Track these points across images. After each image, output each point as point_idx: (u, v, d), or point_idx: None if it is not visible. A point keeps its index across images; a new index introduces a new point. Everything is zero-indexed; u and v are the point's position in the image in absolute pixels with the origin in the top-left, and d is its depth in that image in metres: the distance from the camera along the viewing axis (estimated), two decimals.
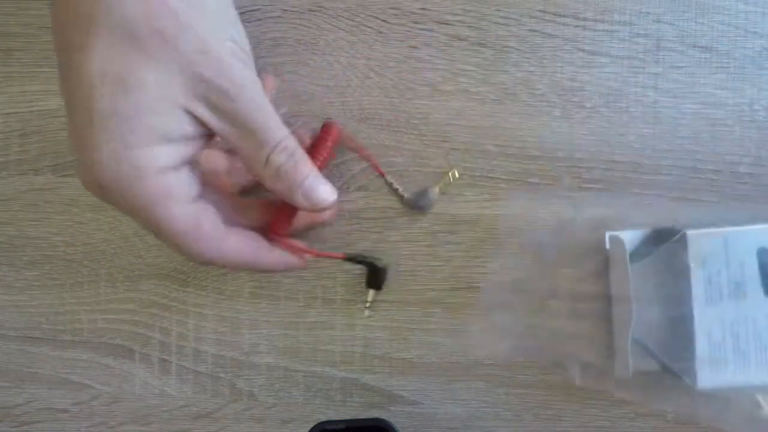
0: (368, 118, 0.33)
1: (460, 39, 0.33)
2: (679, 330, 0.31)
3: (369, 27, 0.33)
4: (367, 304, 0.33)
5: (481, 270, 0.34)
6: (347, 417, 0.34)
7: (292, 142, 0.26)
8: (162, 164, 0.24)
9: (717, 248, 0.31)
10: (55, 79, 0.33)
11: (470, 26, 0.33)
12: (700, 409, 0.32)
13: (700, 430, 0.33)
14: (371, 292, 0.33)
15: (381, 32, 0.33)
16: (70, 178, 0.34)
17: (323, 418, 0.34)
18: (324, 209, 0.28)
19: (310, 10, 0.33)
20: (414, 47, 0.33)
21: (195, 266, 0.34)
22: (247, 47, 0.25)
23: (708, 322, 0.31)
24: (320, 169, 0.29)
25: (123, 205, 0.24)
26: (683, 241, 0.31)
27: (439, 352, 0.34)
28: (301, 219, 0.31)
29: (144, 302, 0.34)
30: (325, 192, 0.28)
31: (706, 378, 0.31)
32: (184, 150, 0.24)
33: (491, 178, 0.33)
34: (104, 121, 0.23)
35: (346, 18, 0.33)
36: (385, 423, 0.33)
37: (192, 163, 0.26)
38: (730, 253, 0.31)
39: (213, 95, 0.24)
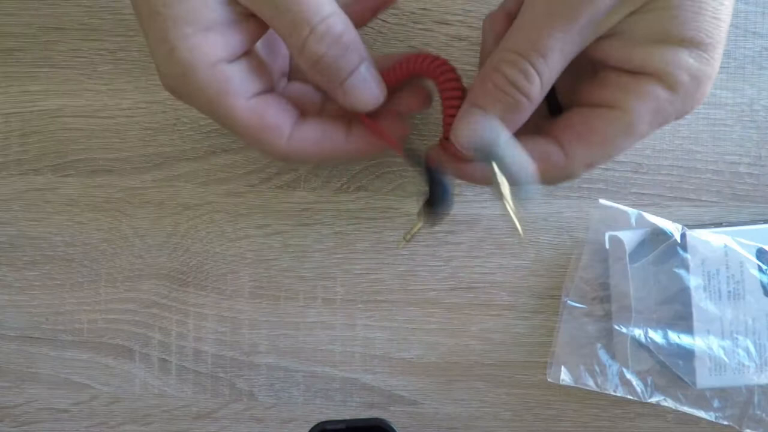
0: None
1: (460, 39, 0.33)
2: (675, 320, 0.31)
3: (369, 27, 0.33)
4: (408, 237, 0.29)
5: (481, 270, 0.34)
6: (347, 417, 0.34)
7: (337, 24, 0.23)
8: (211, 57, 0.23)
9: (716, 248, 0.31)
10: (55, 79, 0.33)
11: (470, 26, 0.33)
12: (700, 408, 0.32)
13: (700, 429, 0.33)
14: (419, 223, 0.28)
15: (381, 32, 0.33)
16: (70, 178, 0.34)
17: (323, 418, 0.34)
18: (366, 110, 0.25)
19: None
20: (414, 47, 0.33)
21: (195, 266, 0.34)
22: None
23: (707, 321, 0.31)
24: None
25: (192, 103, 0.24)
26: (683, 241, 0.31)
27: (439, 352, 0.34)
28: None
29: (144, 302, 0.34)
30: (371, 95, 0.24)
31: (706, 378, 0.31)
32: (232, 38, 0.23)
33: None
34: (152, 23, 0.22)
35: None
36: (385, 423, 0.33)
37: (251, 53, 0.24)
38: (729, 253, 0.31)
39: None
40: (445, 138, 0.26)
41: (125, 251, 0.34)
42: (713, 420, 0.32)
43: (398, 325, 0.34)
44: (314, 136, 0.25)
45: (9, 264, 0.34)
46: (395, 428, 0.33)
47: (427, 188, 0.27)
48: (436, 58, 0.26)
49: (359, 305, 0.34)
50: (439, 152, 0.27)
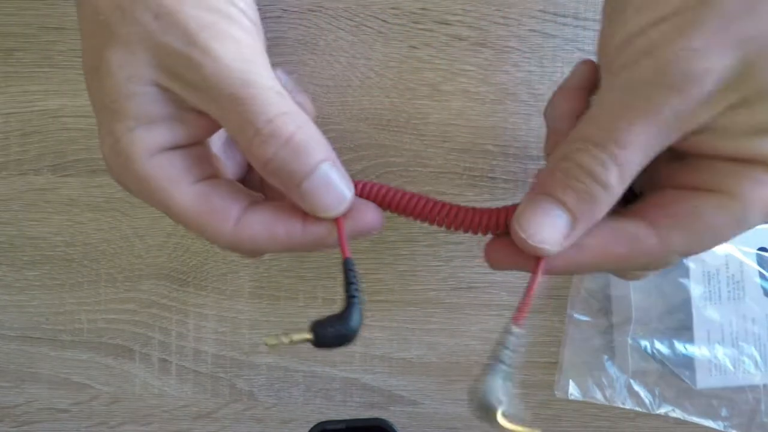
0: (368, 118, 0.33)
1: (460, 39, 0.33)
2: (679, 330, 0.31)
3: (369, 27, 0.33)
4: (286, 340, 0.23)
5: (481, 270, 0.34)
6: (347, 417, 0.34)
7: (286, 124, 0.21)
8: (151, 147, 0.22)
9: (719, 256, 0.31)
10: (55, 79, 0.33)
11: (470, 26, 0.33)
12: (708, 418, 0.32)
13: (700, 430, 0.33)
14: (305, 335, 0.23)
15: (381, 32, 0.33)
16: (70, 178, 0.34)
17: (323, 418, 0.34)
18: (332, 217, 0.23)
19: (310, 10, 0.33)
20: (414, 47, 0.33)
21: (195, 266, 0.34)
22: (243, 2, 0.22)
23: (707, 322, 0.31)
24: None
25: (138, 195, 0.23)
26: None
27: (439, 352, 0.34)
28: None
29: (144, 302, 0.34)
30: (333, 199, 0.22)
31: (706, 378, 0.31)
32: (177, 131, 0.22)
33: (491, 178, 0.33)
34: (101, 116, 0.22)
35: (346, 18, 0.33)
36: (385, 423, 0.33)
37: (202, 144, 0.24)
38: (729, 253, 0.31)
39: (178, 65, 0.21)
40: (498, 231, 0.24)
41: (125, 251, 0.34)
42: (722, 429, 0.32)
43: (398, 325, 0.34)
44: (265, 222, 0.23)
45: (9, 264, 0.34)
46: (395, 428, 0.33)
47: (345, 306, 0.23)
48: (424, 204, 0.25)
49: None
50: (498, 249, 0.24)
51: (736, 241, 0.31)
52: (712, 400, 0.32)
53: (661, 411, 0.32)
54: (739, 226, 0.21)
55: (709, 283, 0.31)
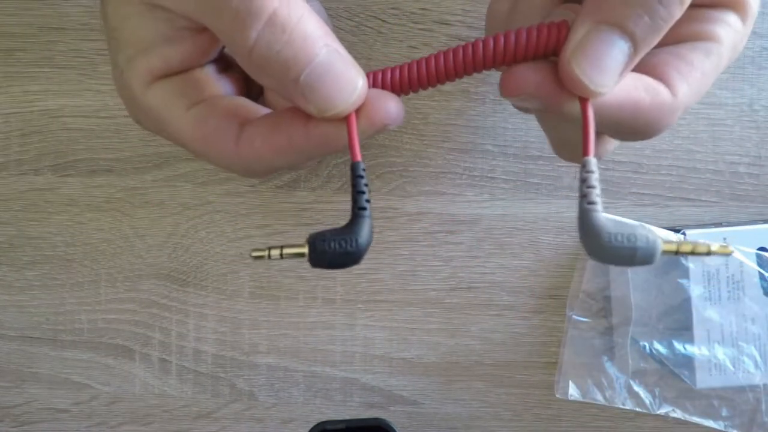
0: None
1: (460, 39, 0.33)
2: (678, 330, 0.31)
3: (369, 27, 0.33)
4: (275, 253, 0.20)
5: (481, 270, 0.34)
6: (347, 417, 0.34)
7: (287, 10, 0.18)
8: (146, 77, 0.21)
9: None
10: (56, 79, 0.33)
11: (470, 26, 0.33)
12: (708, 418, 0.32)
13: (700, 430, 0.33)
14: (302, 249, 0.20)
15: (381, 32, 0.33)
16: (70, 178, 0.34)
17: (323, 418, 0.34)
18: (338, 115, 0.19)
19: None
20: (414, 47, 0.33)
21: (195, 266, 0.34)
22: None
23: (707, 322, 0.31)
24: (401, 88, 0.21)
25: (144, 126, 0.23)
26: None
27: (439, 352, 0.34)
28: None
29: (144, 302, 0.34)
30: (341, 87, 0.19)
31: (705, 378, 0.31)
32: (167, 53, 0.21)
33: (491, 178, 0.33)
34: (109, 50, 0.22)
35: (346, 18, 0.33)
36: (385, 423, 0.33)
37: (203, 67, 0.23)
38: (730, 259, 0.31)
39: None
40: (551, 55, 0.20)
41: (125, 251, 0.34)
42: (722, 429, 0.32)
43: (398, 325, 0.34)
44: (265, 135, 0.21)
45: (9, 264, 0.34)
46: (395, 428, 0.33)
47: (351, 218, 0.20)
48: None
49: (359, 305, 0.34)
50: (530, 76, 0.20)
51: (736, 241, 0.31)
52: (713, 400, 0.32)
53: (661, 411, 0.32)
54: (719, 67, 0.22)
55: (708, 283, 0.31)
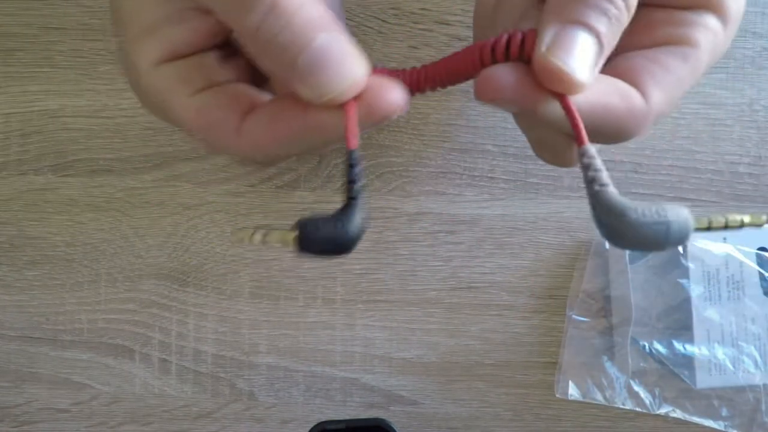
0: None
1: (460, 39, 0.33)
2: (678, 330, 0.31)
3: (369, 27, 0.33)
4: (258, 238, 0.19)
5: (481, 270, 0.34)
6: (347, 417, 0.34)
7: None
8: (151, 59, 0.21)
9: (718, 256, 0.31)
10: (56, 80, 0.33)
11: (470, 26, 0.33)
12: (708, 418, 0.32)
13: (700, 430, 0.33)
14: (289, 236, 0.18)
15: (381, 32, 0.33)
16: (70, 178, 0.34)
17: (323, 418, 0.34)
18: (334, 100, 0.19)
19: None
20: (414, 47, 0.33)
21: (195, 266, 0.34)
22: None
23: (707, 322, 0.31)
24: (417, 86, 0.21)
25: (150, 110, 0.23)
26: (684, 251, 0.31)
27: (439, 352, 0.34)
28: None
29: (144, 302, 0.34)
30: (336, 72, 0.19)
31: (705, 378, 0.31)
32: (172, 35, 0.21)
33: (491, 178, 0.33)
34: (114, 32, 0.22)
35: (346, 18, 0.33)
36: (385, 423, 0.33)
37: (209, 50, 0.22)
38: (728, 253, 0.31)
39: None
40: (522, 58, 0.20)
41: (125, 251, 0.34)
42: (722, 429, 0.32)
43: (398, 325, 0.34)
44: (265, 123, 0.21)
45: (9, 264, 0.34)
46: (395, 428, 0.33)
47: (342, 206, 0.19)
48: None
49: (359, 305, 0.34)
50: (507, 77, 0.20)
51: (736, 241, 0.31)
52: (713, 400, 0.32)
53: (662, 411, 0.32)
54: (697, 73, 0.22)
55: (708, 283, 0.31)
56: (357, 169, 0.19)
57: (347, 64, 0.19)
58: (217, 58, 0.23)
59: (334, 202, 0.33)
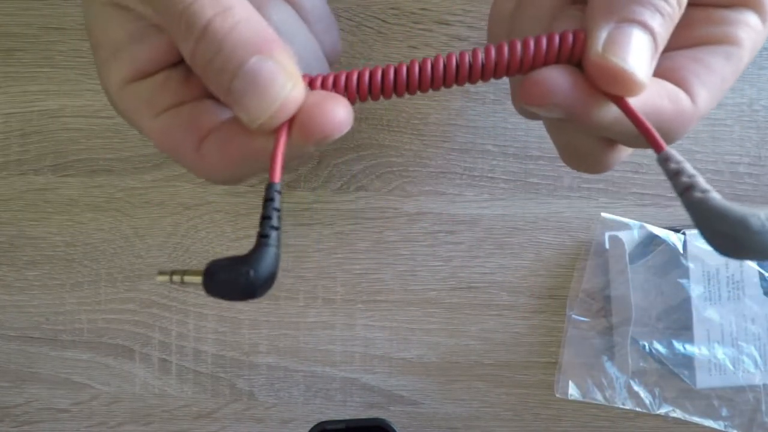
0: (368, 118, 0.33)
1: (460, 39, 0.33)
2: (678, 330, 0.31)
3: (369, 27, 0.33)
4: (176, 278, 0.20)
5: (481, 270, 0.34)
6: (347, 417, 0.34)
7: (207, 8, 0.18)
8: (118, 80, 0.21)
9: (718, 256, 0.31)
10: (56, 80, 0.33)
11: (470, 26, 0.33)
12: (708, 418, 0.32)
13: (700, 430, 0.33)
14: (198, 278, 0.18)
15: (381, 32, 0.33)
16: (70, 178, 0.34)
17: (323, 418, 0.34)
18: (267, 125, 0.18)
19: None
20: (414, 47, 0.33)
21: (195, 266, 0.34)
22: None
23: (707, 322, 0.31)
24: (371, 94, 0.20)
25: (129, 124, 0.23)
26: (684, 250, 0.31)
27: (439, 352, 0.34)
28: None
29: (144, 302, 0.34)
30: (262, 97, 0.18)
31: (705, 378, 0.31)
32: (140, 56, 0.21)
33: (491, 178, 0.33)
34: (93, 54, 0.22)
35: (346, 18, 0.33)
36: (385, 423, 0.33)
37: (174, 67, 0.22)
38: (730, 260, 0.31)
39: None
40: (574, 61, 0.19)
41: (125, 251, 0.34)
42: (722, 429, 0.32)
43: (398, 325, 0.34)
44: (220, 146, 0.21)
45: (9, 264, 0.34)
46: (395, 428, 0.33)
47: (253, 247, 0.18)
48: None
49: (359, 305, 0.34)
50: (557, 82, 0.19)
51: None
52: (713, 400, 0.32)
53: (661, 411, 0.32)
54: (739, 70, 0.21)
55: (708, 283, 0.31)
56: (274, 204, 0.18)
57: (276, 87, 0.18)
58: (182, 73, 0.23)
59: (334, 202, 0.33)
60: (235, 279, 0.17)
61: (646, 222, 0.32)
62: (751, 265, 0.31)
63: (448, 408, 0.34)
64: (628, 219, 0.32)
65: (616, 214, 0.33)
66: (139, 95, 0.22)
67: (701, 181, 0.17)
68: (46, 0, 0.33)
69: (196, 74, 0.22)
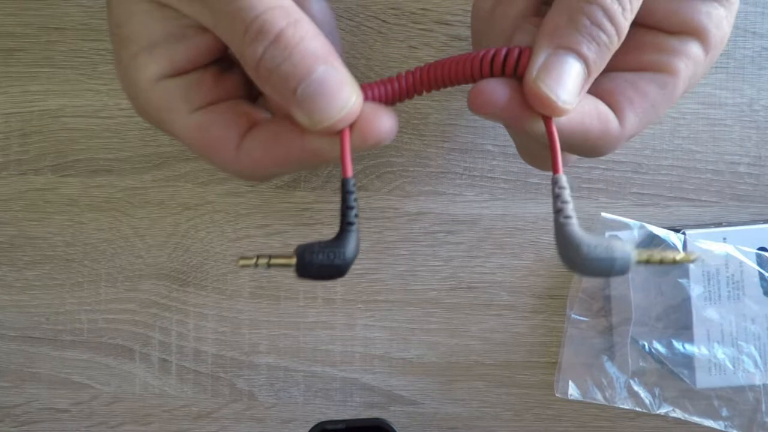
0: None
1: (460, 39, 0.33)
2: (678, 330, 0.31)
3: (369, 27, 0.33)
4: (263, 262, 0.20)
5: (481, 270, 0.34)
6: (347, 417, 0.34)
7: (275, 19, 0.19)
8: (151, 75, 0.22)
9: (718, 256, 0.31)
10: (56, 79, 0.33)
11: (470, 26, 0.33)
12: (708, 417, 0.32)
13: (700, 430, 0.33)
14: (290, 261, 0.20)
15: (381, 32, 0.33)
16: (70, 178, 0.34)
17: (323, 418, 0.34)
18: (330, 128, 0.20)
19: None
20: (414, 47, 0.33)
21: (195, 266, 0.34)
22: None
23: (707, 322, 0.31)
24: (390, 98, 0.22)
25: (150, 121, 0.23)
26: (684, 250, 0.31)
27: (439, 352, 0.34)
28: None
29: (144, 302, 0.34)
30: (332, 104, 0.20)
31: (705, 378, 0.31)
32: (178, 54, 0.22)
33: (491, 178, 0.33)
34: (114, 45, 0.22)
35: (346, 18, 0.33)
36: (385, 423, 0.33)
37: (208, 67, 0.23)
38: (728, 253, 0.31)
39: None
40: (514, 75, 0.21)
41: (125, 251, 0.34)
42: (722, 429, 0.32)
43: (398, 325, 0.34)
44: (264, 144, 0.22)
45: (9, 264, 0.34)
46: (395, 428, 0.33)
47: (339, 232, 0.20)
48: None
49: (359, 305, 0.34)
50: (498, 93, 0.21)
51: (736, 240, 0.31)
52: (713, 400, 0.32)
53: (661, 411, 0.32)
54: (673, 99, 0.22)
55: (708, 283, 0.31)
56: (353, 196, 0.20)
57: (343, 95, 0.20)
58: (215, 74, 0.24)
59: (334, 202, 0.33)
60: (331, 261, 0.19)
61: (646, 222, 0.32)
62: (752, 265, 0.31)
63: (448, 408, 0.34)
64: (628, 219, 0.32)
65: (616, 214, 0.33)
66: (173, 91, 0.22)
67: (568, 209, 0.20)
68: (46, 0, 0.33)
69: (230, 71, 0.24)
